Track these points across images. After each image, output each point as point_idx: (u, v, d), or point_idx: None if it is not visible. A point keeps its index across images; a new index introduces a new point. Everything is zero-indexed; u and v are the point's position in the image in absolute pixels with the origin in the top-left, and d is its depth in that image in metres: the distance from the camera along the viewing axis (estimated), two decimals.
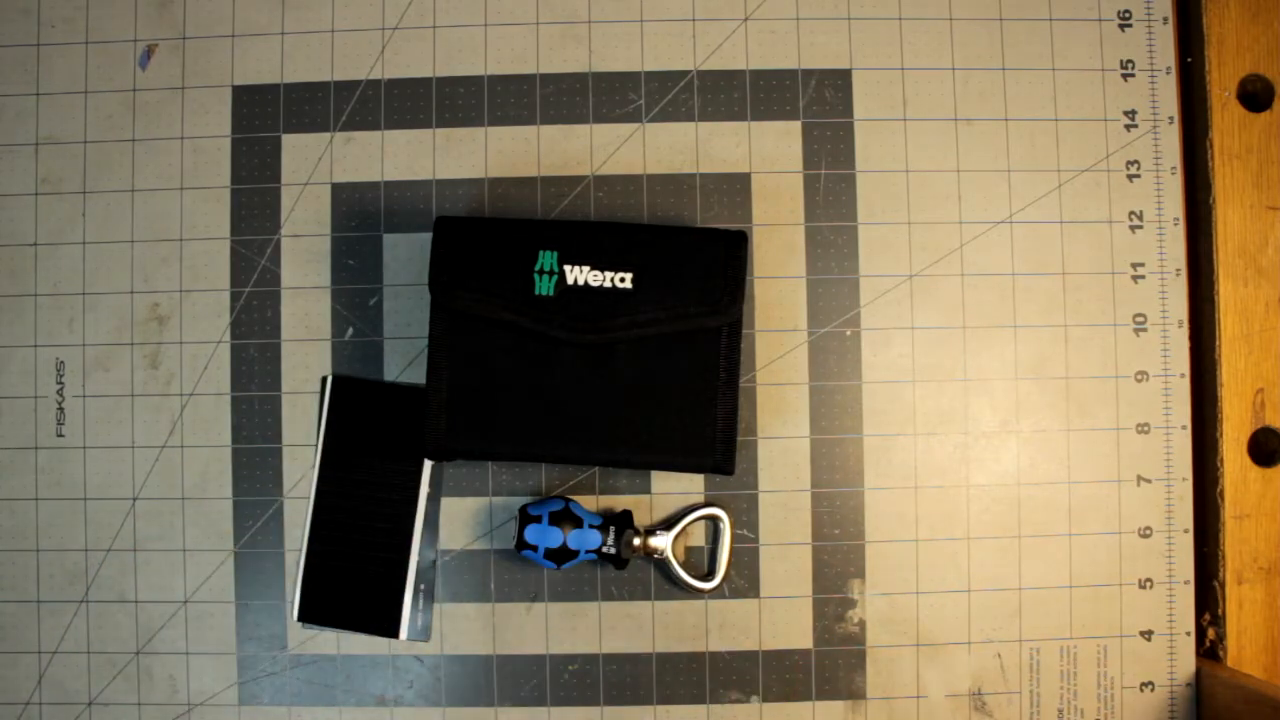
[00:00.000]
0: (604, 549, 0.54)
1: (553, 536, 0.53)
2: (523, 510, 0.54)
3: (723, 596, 0.56)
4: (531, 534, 0.53)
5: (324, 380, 0.56)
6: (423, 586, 0.56)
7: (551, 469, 0.57)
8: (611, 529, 0.54)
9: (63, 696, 0.57)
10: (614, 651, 0.56)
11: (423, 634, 0.56)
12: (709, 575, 0.56)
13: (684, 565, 0.56)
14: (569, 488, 0.57)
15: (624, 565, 0.55)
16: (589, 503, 0.56)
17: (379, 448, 0.56)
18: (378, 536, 0.55)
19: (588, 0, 0.58)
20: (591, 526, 0.54)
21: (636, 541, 0.54)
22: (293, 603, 0.56)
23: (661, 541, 0.55)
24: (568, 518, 0.54)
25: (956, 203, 0.58)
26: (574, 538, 0.54)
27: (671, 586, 0.56)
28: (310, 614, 0.55)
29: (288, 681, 0.56)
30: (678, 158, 0.57)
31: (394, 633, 0.55)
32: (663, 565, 0.56)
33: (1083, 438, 0.57)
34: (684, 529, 0.56)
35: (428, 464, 0.56)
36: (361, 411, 0.56)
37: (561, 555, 0.54)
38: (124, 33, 0.58)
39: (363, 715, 0.56)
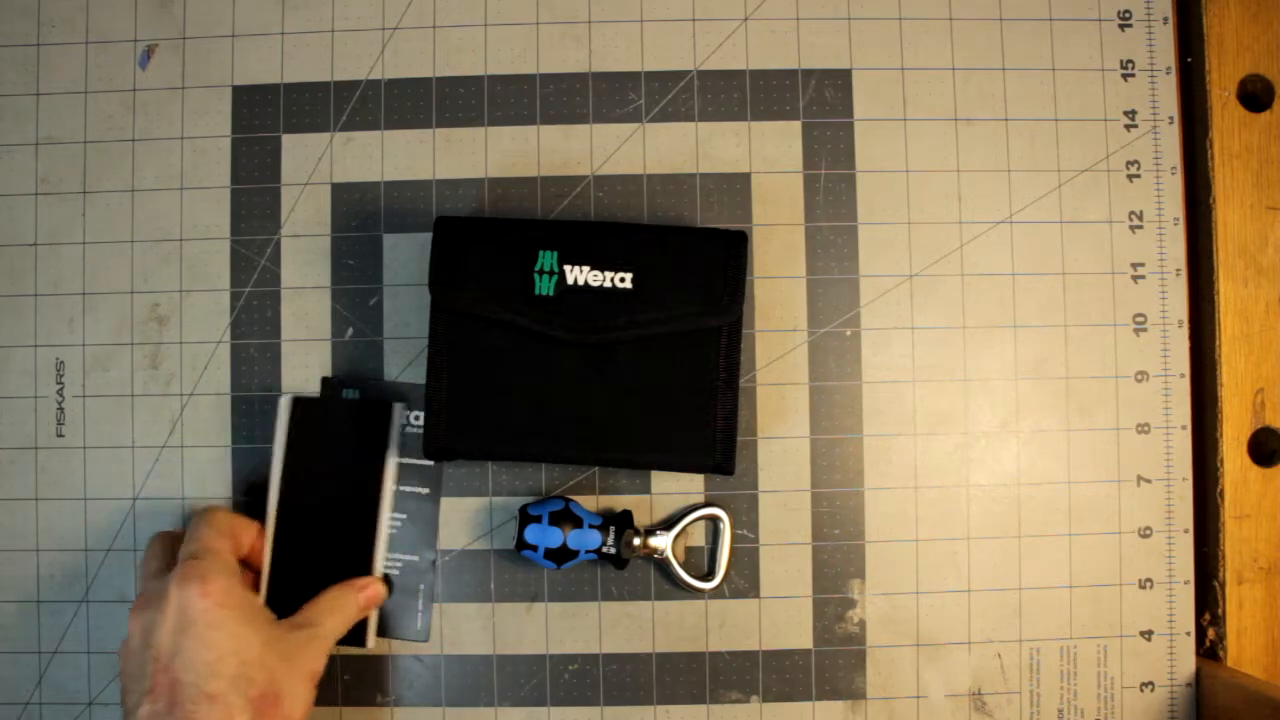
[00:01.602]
0: (604, 549, 0.54)
1: (553, 536, 0.53)
2: (523, 510, 0.54)
3: (723, 596, 0.56)
4: (531, 534, 0.54)
5: (283, 401, 0.55)
6: (421, 587, 0.56)
7: (551, 469, 0.57)
8: (611, 529, 0.54)
9: (63, 696, 0.57)
10: (614, 651, 0.56)
11: (422, 634, 0.56)
12: (709, 575, 0.56)
13: (684, 565, 0.56)
14: (569, 488, 0.57)
15: (624, 565, 0.55)
16: (589, 503, 0.56)
17: (337, 466, 0.55)
18: (339, 551, 0.55)
19: (588, 0, 0.58)
20: (591, 526, 0.54)
21: (636, 541, 0.54)
22: None
23: (661, 541, 0.55)
24: (568, 518, 0.54)
25: (956, 203, 0.58)
26: (574, 538, 0.54)
27: (671, 586, 0.56)
28: None
29: None
30: (678, 158, 0.58)
31: (362, 642, 0.55)
32: (663, 565, 0.56)
33: (1083, 438, 0.57)
34: (684, 529, 0.56)
35: (389, 478, 0.56)
36: (318, 430, 0.55)
37: (561, 555, 0.54)
38: (124, 33, 0.58)
39: (363, 715, 0.56)
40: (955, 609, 0.56)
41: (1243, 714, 0.53)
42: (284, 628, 0.49)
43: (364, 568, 0.55)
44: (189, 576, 0.47)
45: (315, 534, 0.54)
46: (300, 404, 0.55)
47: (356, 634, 0.54)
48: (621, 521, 0.55)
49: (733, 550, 0.56)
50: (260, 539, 0.54)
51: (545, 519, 0.54)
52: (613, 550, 0.54)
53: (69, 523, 0.57)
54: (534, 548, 0.54)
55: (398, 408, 0.56)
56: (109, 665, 0.57)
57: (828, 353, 0.57)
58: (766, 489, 0.57)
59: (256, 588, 0.53)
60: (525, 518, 0.54)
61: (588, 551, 0.54)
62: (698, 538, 0.57)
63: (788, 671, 0.56)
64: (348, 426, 0.56)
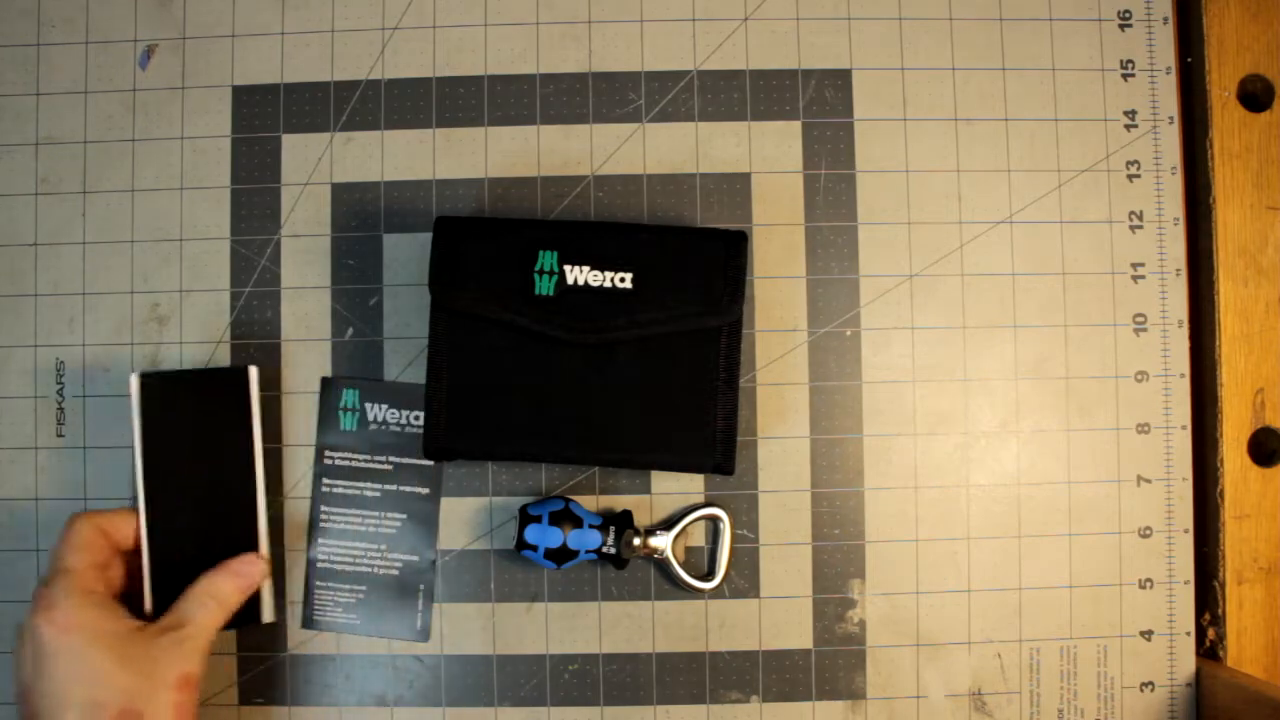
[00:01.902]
0: (604, 549, 0.54)
1: (553, 536, 0.53)
2: (523, 510, 0.54)
3: (723, 596, 0.56)
4: (532, 534, 0.53)
5: (131, 380, 0.52)
6: (421, 587, 0.56)
7: (551, 469, 0.57)
8: (611, 529, 0.54)
9: None
10: (614, 651, 0.56)
11: (422, 635, 0.56)
12: (709, 575, 0.56)
13: (684, 565, 0.56)
14: (569, 488, 0.57)
15: (624, 565, 0.55)
16: (589, 503, 0.56)
17: (201, 441, 0.53)
18: (221, 533, 0.53)
19: (588, 0, 0.58)
20: (591, 526, 0.54)
21: (636, 541, 0.54)
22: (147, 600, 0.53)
23: (661, 541, 0.55)
24: (568, 518, 0.54)
25: (956, 203, 0.58)
26: (574, 538, 0.54)
27: (671, 586, 0.56)
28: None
29: (288, 681, 0.56)
30: (678, 158, 0.58)
31: (255, 618, 0.53)
32: (663, 565, 0.56)
33: (1083, 438, 0.57)
34: (684, 529, 0.56)
35: (259, 447, 0.54)
36: (174, 406, 0.53)
37: (561, 555, 0.54)
38: (124, 33, 0.58)
39: (363, 715, 0.56)
40: (955, 609, 0.56)
41: (1243, 714, 0.53)
42: (148, 635, 0.47)
43: (250, 545, 0.53)
44: (35, 605, 0.46)
45: (192, 518, 0.52)
46: (149, 380, 0.52)
47: (249, 612, 0.52)
48: (621, 521, 0.55)
49: (733, 550, 0.56)
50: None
51: (545, 519, 0.54)
52: (613, 550, 0.54)
53: None
54: (534, 548, 0.54)
55: (254, 371, 0.54)
56: None
57: (828, 353, 0.57)
58: (766, 489, 0.57)
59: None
60: (525, 518, 0.54)
61: (588, 551, 0.54)
62: (698, 538, 0.57)
63: (788, 671, 0.56)
64: (204, 398, 0.53)
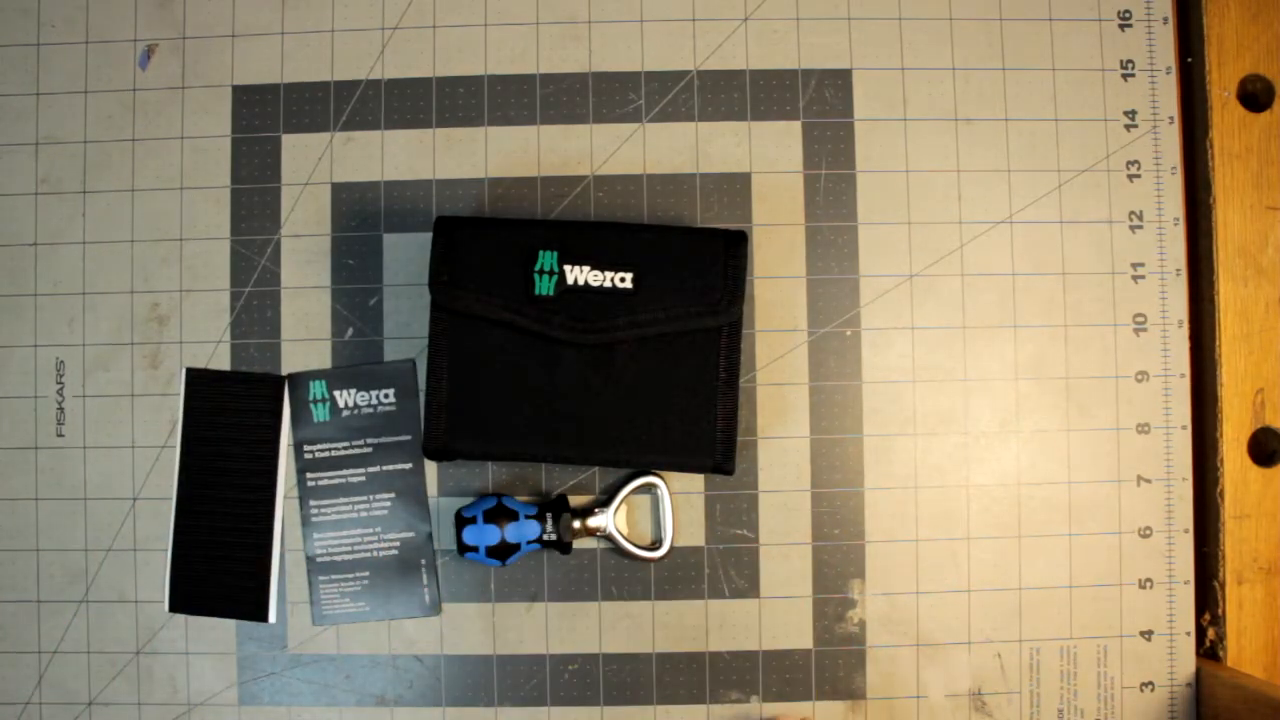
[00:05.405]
0: (544, 537, 0.54)
1: (490, 534, 0.53)
2: (457, 515, 0.54)
3: (723, 596, 0.56)
4: (470, 535, 0.53)
5: (181, 373, 0.56)
6: (423, 562, 0.56)
7: (551, 469, 0.57)
8: (549, 516, 0.54)
9: (63, 696, 0.57)
10: (614, 651, 0.56)
11: (432, 609, 0.56)
12: (656, 545, 0.56)
13: (631, 539, 0.56)
14: (569, 488, 0.57)
15: (568, 550, 0.54)
16: (589, 503, 0.56)
17: (235, 438, 0.56)
18: (242, 523, 0.56)
19: (588, 0, 0.58)
20: (528, 517, 0.54)
21: (576, 524, 0.54)
22: (165, 593, 0.56)
23: (601, 520, 0.55)
24: (502, 513, 0.54)
25: (956, 203, 0.58)
26: (511, 531, 0.53)
27: (622, 560, 0.56)
28: (180, 604, 0.56)
29: (288, 681, 0.56)
30: (678, 158, 0.57)
31: (263, 617, 0.56)
32: (609, 543, 0.56)
33: (1083, 438, 0.57)
34: (622, 502, 0.55)
35: (283, 456, 0.56)
36: (214, 404, 0.56)
37: (503, 551, 0.53)
38: (124, 33, 0.58)
39: (363, 715, 0.56)
40: (955, 609, 0.56)
41: (1243, 714, 0.53)
42: None
43: (264, 542, 0.55)
44: None
45: (215, 511, 0.55)
46: (195, 375, 0.55)
47: (257, 610, 0.55)
48: (557, 507, 0.54)
49: (676, 515, 0.56)
50: None
51: (480, 518, 0.53)
52: (554, 537, 0.54)
53: (69, 523, 0.57)
54: (475, 549, 0.53)
55: (289, 383, 0.56)
56: (109, 665, 0.57)
57: (828, 353, 0.57)
58: (766, 489, 0.57)
59: None
60: (460, 521, 0.54)
61: (529, 543, 0.54)
62: (644, 513, 0.57)
63: (788, 671, 0.56)
64: (241, 400, 0.56)
